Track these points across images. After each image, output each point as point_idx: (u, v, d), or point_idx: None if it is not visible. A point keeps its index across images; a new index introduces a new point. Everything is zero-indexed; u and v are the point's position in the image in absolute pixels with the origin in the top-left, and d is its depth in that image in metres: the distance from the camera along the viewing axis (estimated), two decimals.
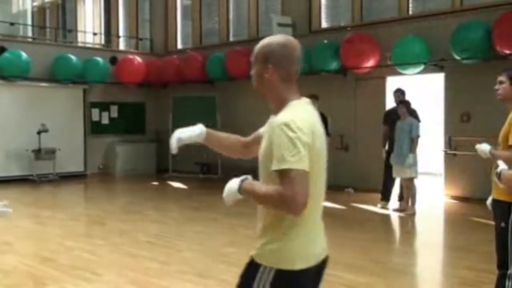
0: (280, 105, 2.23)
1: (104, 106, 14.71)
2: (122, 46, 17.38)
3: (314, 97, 9.11)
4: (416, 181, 8.63)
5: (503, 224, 3.49)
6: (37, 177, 12.91)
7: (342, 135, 11.23)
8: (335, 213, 9.01)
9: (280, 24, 12.17)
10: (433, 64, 9.93)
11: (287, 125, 2.05)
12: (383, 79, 10.90)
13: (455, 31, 9.37)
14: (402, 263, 6.01)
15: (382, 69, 10.62)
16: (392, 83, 10.47)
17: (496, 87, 3.71)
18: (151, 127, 15.36)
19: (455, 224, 8.41)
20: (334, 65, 11.16)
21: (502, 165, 3.31)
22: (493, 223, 3.66)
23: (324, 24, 12.37)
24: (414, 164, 8.42)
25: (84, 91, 14.26)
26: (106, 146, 14.72)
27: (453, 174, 9.99)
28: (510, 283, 3.46)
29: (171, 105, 14.23)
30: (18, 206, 9.98)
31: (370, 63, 10.69)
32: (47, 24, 20.43)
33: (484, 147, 3.81)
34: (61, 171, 13.29)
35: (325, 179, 2.24)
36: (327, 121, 8.96)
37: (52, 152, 13.00)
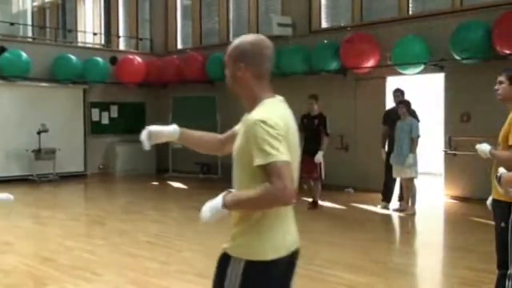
0: (253, 103, 2.27)
1: (104, 106, 14.70)
2: (122, 46, 17.38)
3: (313, 97, 9.12)
4: (416, 181, 8.63)
5: (503, 224, 3.49)
6: (37, 177, 12.91)
7: (342, 135, 11.23)
8: (335, 213, 9.02)
9: (280, 24, 12.17)
10: (433, 64, 9.93)
11: (264, 121, 2.10)
12: (383, 79, 10.90)
13: (455, 31, 9.37)
14: (402, 263, 6.01)
15: (382, 69, 10.62)
16: (392, 83, 10.47)
17: (496, 87, 3.71)
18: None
19: (455, 224, 8.41)
20: (334, 65, 11.16)
21: (502, 170, 3.31)
22: (493, 223, 3.66)
23: (324, 24, 12.37)
24: (414, 164, 8.42)
25: (84, 91, 14.26)
26: (106, 146, 14.72)
27: (453, 174, 9.98)
28: (510, 283, 3.47)
29: (171, 105, 14.23)
30: (18, 206, 9.97)
31: (370, 63, 10.69)
32: (47, 24, 20.42)
33: (484, 147, 3.81)
34: (61, 171, 13.29)
35: (297, 173, 2.31)
36: (326, 121, 8.95)
37: (52, 152, 13.00)
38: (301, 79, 11.75)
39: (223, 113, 12.96)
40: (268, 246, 2.19)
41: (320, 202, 9.24)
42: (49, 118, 13.07)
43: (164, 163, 14.59)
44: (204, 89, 13.86)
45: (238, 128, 2.40)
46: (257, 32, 13.43)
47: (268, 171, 2.06)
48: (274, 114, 2.17)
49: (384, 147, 9.15)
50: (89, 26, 18.59)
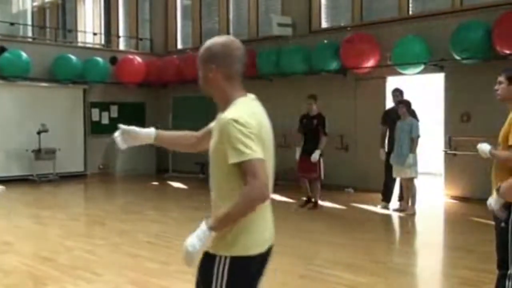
0: (226, 102, 2.34)
1: (104, 106, 14.70)
2: (122, 46, 17.39)
3: (312, 97, 9.12)
4: (416, 181, 8.63)
5: (503, 224, 3.49)
6: (37, 177, 12.91)
7: (342, 135, 11.24)
8: (335, 213, 9.02)
9: (280, 24, 12.17)
10: (433, 64, 9.93)
11: (236, 120, 2.17)
12: (383, 79, 10.90)
13: (455, 31, 9.37)
14: (402, 263, 6.01)
15: (382, 69, 10.62)
16: (392, 83, 10.46)
17: (496, 87, 3.73)
18: (151, 127, 15.32)
19: (455, 224, 8.40)
20: (334, 65, 11.16)
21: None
22: (493, 223, 3.66)
23: (324, 24, 12.37)
24: (414, 164, 8.42)
25: (84, 91, 14.26)
26: (106, 146, 14.69)
27: (453, 174, 9.98)
28: (510, 283, 3.46)
29: (171, 105, 14.23)
30: (18, 206, 9.99)
31: (370, 63, 10.69)
32: (47, 24, 20.42)
33: (484, 147, 3.82)
34: (61, 171, 13.29)
35: (273, 169, 2.37)
36: (325, 121, 8.95)
37: (52, 152, 13.00)
38: (301, 79, 11.75)
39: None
40: (251, 242, 2.27)
41: (320, 202, 9.24)
42: (49, 118, 13.06)
43: (164, 163, 14.59)
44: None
45: (213, 126, 2.46)
46: (257, 32, 13.46)
47: (242, 169, 2.15)
48: (246, 112, 2.24)
49: (382, 147, 9.15)
50: (89, 26, 18.59)
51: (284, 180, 11.97)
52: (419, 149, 8.53)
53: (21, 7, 20.01)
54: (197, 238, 2.19)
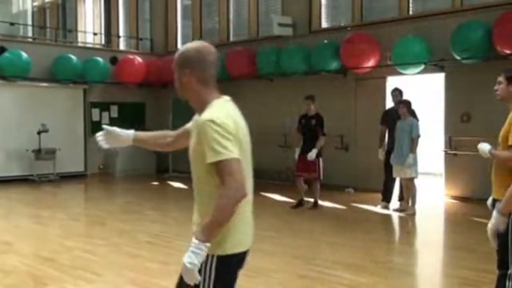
0: (202, 105, 2.43)
1: (104, 106, 14.70)
2: (122, 46, 17.39)
3: (310, 98, 9.11)
4: (416, 181, 8.62)
5: None
6: (37, 177, 12.91)
7: (342, 135, 11.23)
8: (335, 213, 9.02)
9: (280, 24, 12.17)
10: (433, 64, 9.93)
11: (213, 121, 2.26)
12: (383, 79, 10.89)
13: (455, 31, 9.37)
14: (402, 263, 6.02)
15: (382, 69, 10.61)
16: (392, 83, 10.46)
17: (495, 87, 3.73)
18: (151, 127, 15.32)
19: (455, 224, 8.40)
20: (334, 65, 11.15)
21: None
22: None
23: (324, 24, 12.37)
24: (414, 164, 8.42)
25: (84, 91, 14.27)
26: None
27: (453, 174, 9.98)
28: (510, 283, 3.46)
29: (171, 105, 14.22)
30: (18, 206, 10.00)
31: (370, 63, 10.69)
32: (47, 24, 20.41)
33: (484, 147, 3.82)
34: (61, 171, 13.29)
35: (251, 167, 2.45)
36: (323, 121, 8.94)
37: (52, 152, 13.00)
38: (301, 79, 11.75)
39: None
40: (237, 240, 2.36)
41: (320, 202, 9.23)
42: (49, 118, 13.07)
43: (164, 163, 14.59)
44: None
45: (190, 127, 2.59)
46: (257, 32, 13.46)
47: (219, 168, 2.23)
48: (223, 114, 2.32)
49: (381, 146, 9.15)
50: (89, 26, 18.59)
51: (285, 180, 12.01)
52: (419, 149, 8.53)
53: (21, 7, 20.01)
54: (194, 254, 2.23)
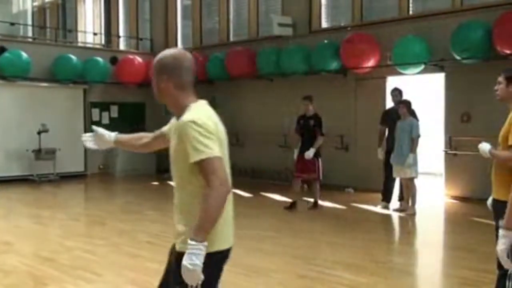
0: (180, 110, 2.52)
1: (104, 106, 14.70)
2: (122, 46, 17.38)
3: (308, 98, 9.10)
4: (416, 181, 8.62)
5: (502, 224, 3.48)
6: (37, 177, 12.91)
7: (342, 135, 11.24)
8: (335, 213, 9.02)
9: (280, 24, 12.17)
10: (433, 64, 9.93)
11: (194, 122, 2.34)
12: (383, 79, 10.89)
13: (455, 31, 9.37)
14: (402, 263, 6.02)
15: (382, 69, 10.61)
16: (392, 83, 10.46)
17: (495, 87, 3.74)
18: (151, 127, 15.33)
19: (455, 224, 8.40)
20: (334, 65, 11.15)
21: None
22: (493, 223, 3.66)
23: (324, 24, 12.37)
24: (414, 164, 8.42)
25: (84, 91, 14.27)
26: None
27: (453, 174, 9.98)
28: (510, 283, 3.46)
29: None
30: (18, 206, 10.00)
31: (370, 63, 10.69)
32: (47, 24, 20.41)
33: (484, 147, 3.83)
34: (61, 171, 13.29)
35: (229, 169, 2.50)
36: (321, 121, 8.92)
37: (52, 152, 13.00)
38: (301, 79, 11.75)
39: (223, 113, 12.93)
40: (223, 237, 2.43)
41: (320, 202, 9.23)
42: (49, 118, 13.07)
43: (164, 163, 14.52)
44: (204, 88, 13.84)
45: (167, 129, 2.75)
46: (257, 32, 13.46)
47: (202, 167, 2.30)
48: (204, 115, 2.42)
49: (380, 146, 9.15)
50: (89, 26, 18.59)
51: (285, 180, 12.00)
52: (419, 149, 8.53)
53: (21, 7, 20.01)
54: (194, 255, 2.26)
